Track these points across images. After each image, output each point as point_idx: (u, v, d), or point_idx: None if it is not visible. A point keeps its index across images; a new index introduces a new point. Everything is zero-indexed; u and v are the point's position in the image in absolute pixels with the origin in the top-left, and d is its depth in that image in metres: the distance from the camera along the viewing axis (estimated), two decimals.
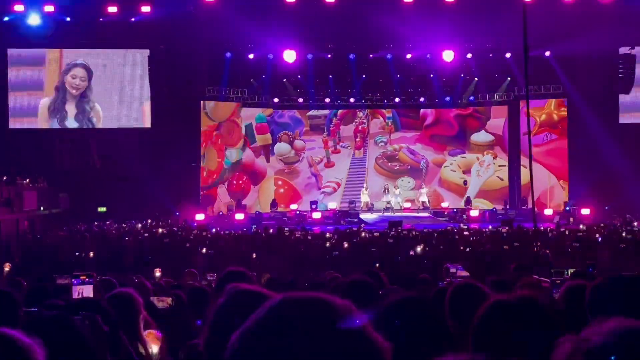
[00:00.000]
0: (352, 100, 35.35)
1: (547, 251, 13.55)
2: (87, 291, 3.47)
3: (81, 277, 3.53)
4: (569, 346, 1.26)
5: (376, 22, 30.79)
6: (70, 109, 32.71)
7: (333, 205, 33.84)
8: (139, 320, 3.76)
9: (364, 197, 34.17)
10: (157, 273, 12.26)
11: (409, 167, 35.79)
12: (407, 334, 2.64)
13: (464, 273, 8.52)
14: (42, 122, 32.66)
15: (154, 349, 4.33)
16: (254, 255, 17.24)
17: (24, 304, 5.83)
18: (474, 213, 31.73)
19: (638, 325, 1.24)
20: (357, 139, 35.93)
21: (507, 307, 2.45)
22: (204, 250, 18.18)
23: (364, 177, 35.54)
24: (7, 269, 12.66)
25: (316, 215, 31.99)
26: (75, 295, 3.47)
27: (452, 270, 8.46)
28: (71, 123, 32.74)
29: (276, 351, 1.21)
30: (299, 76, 35.11)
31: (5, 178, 26.85)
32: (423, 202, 34.20)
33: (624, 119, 32.95)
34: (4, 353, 1.86)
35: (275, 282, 8.86)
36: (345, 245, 18.82)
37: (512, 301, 2.50)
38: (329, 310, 1.27)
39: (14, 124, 32.17)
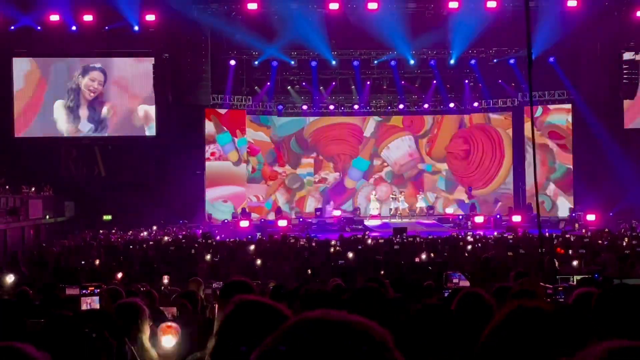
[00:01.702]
0: (356, 107, 35.40)
1: (556, 260, 13.49)
2: (95, 302, 3.48)
3: (89, 288, 3.55)
4: None
5: (379, 27, 30.91)
6: (83, 112, 32.96)
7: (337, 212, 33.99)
8: (145, 329, 3.77)
9: (373, 204, 34.28)
10: (165, 280, 12.28)
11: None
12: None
13: (465, 282, 8.48)
14: (60, 124, 32.88)
15: (171, 341, 4.34)
16: (259, 263, 17.24)
17: (32, 314, 5.86)
18: (478, 219, 31.71)
19: (630, 345, 1.25)
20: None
21: (529, 314, 2.41)
22: (207, 257, 18.19)
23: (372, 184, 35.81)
24: (10, 280, 12.66)
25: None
26: (83, 307, 3.49)
27: (455, 279, 8.41)
28: (84, 126, 32.96)
29: None
30: (304, 83, 35.25)
31: (7, 187, 26.84)
32: (421, 208, 34.29)
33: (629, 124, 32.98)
34: None
35: (280, 289, 8.86)
36: (350, 253, 18.78)
37: (534, 307, 2.45)
38: (349, 331, 1.26)
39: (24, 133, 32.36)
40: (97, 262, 17.58)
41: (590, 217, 30.22)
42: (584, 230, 26.26)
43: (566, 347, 1.98)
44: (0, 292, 10.17)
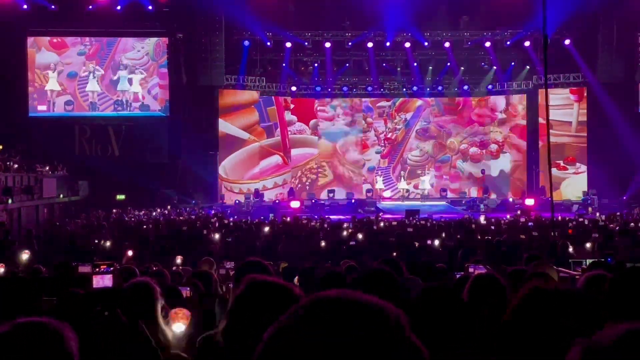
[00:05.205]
0: (369, 88, 35.29)
1: (568, 242, 13.45)
2: (107, 280, 3.48)
3: (102, 266, 3.55)
4: (580, 349, 1.26)
5: (394, 10, 30.79)
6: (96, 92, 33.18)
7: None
8: (157, 309, 3.79)
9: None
10: (178, 260, 12.36)
11: (435, 134, 36.25)
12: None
13: (482, 271, 8.41)
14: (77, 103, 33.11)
15: (181, 327, 4.37)
16: (271, 244, 17.27)
17: (45, 292, 5.91)
18: (491, 202, 31.64)
19: None
20: (385, 148, 36.03)
21: (546, 296, 2.39)
22: (217, 236, 18.20)
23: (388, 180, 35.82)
24: (25, 256, 12.82)
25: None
26: (95, 285, 3.50)
27: (471, 269, 8.36)
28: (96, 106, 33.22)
29: (309, 354, 1.19)
30: (316, 64, 35.13)
31: (16, 167, 26.91)
32: (422, 190, 34.37)
33: None
34: (40, 340, 1.88)
35: (291, 270, 8.88)
36: (362, 234, 18.76)
37: (551, 290, 2.43)
38: (364, 311, 1.24)
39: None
40: (110, 241, 17.65)
41: (603, 201, 30.12)
42: (597, 214, 26.16)
43: (583, 328, 1.97)
44: (14, 270, 10.25)
